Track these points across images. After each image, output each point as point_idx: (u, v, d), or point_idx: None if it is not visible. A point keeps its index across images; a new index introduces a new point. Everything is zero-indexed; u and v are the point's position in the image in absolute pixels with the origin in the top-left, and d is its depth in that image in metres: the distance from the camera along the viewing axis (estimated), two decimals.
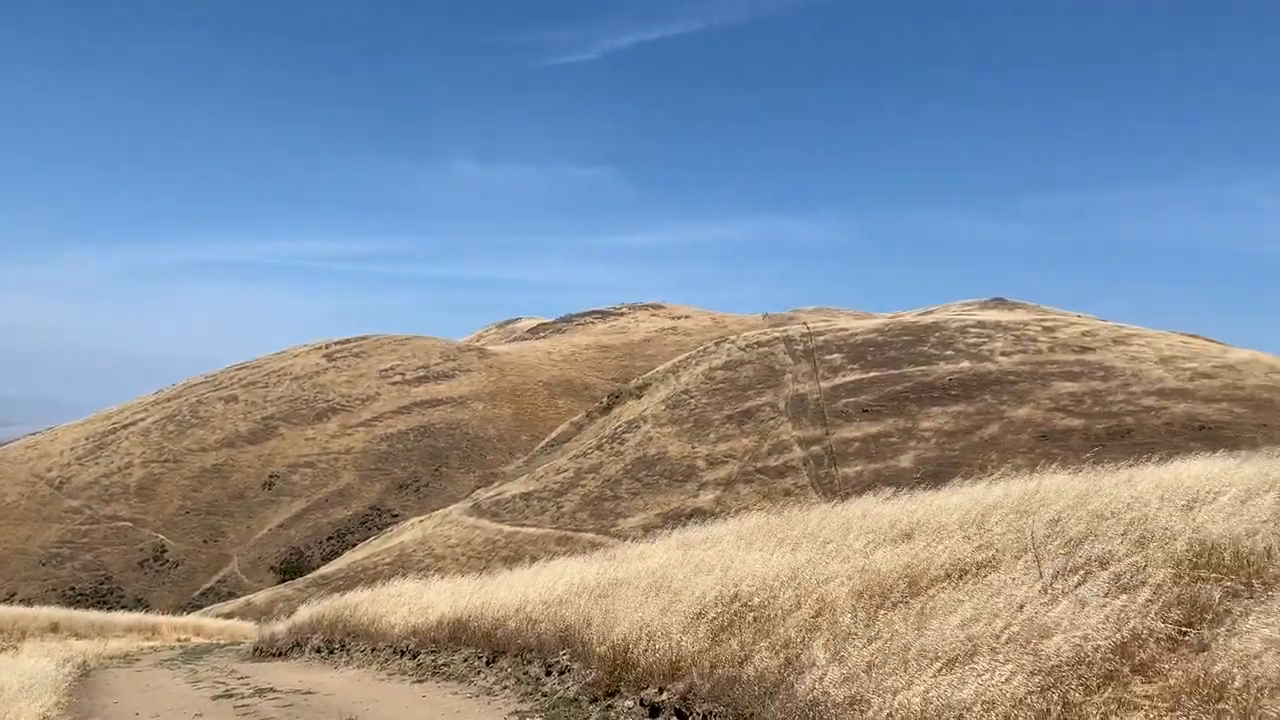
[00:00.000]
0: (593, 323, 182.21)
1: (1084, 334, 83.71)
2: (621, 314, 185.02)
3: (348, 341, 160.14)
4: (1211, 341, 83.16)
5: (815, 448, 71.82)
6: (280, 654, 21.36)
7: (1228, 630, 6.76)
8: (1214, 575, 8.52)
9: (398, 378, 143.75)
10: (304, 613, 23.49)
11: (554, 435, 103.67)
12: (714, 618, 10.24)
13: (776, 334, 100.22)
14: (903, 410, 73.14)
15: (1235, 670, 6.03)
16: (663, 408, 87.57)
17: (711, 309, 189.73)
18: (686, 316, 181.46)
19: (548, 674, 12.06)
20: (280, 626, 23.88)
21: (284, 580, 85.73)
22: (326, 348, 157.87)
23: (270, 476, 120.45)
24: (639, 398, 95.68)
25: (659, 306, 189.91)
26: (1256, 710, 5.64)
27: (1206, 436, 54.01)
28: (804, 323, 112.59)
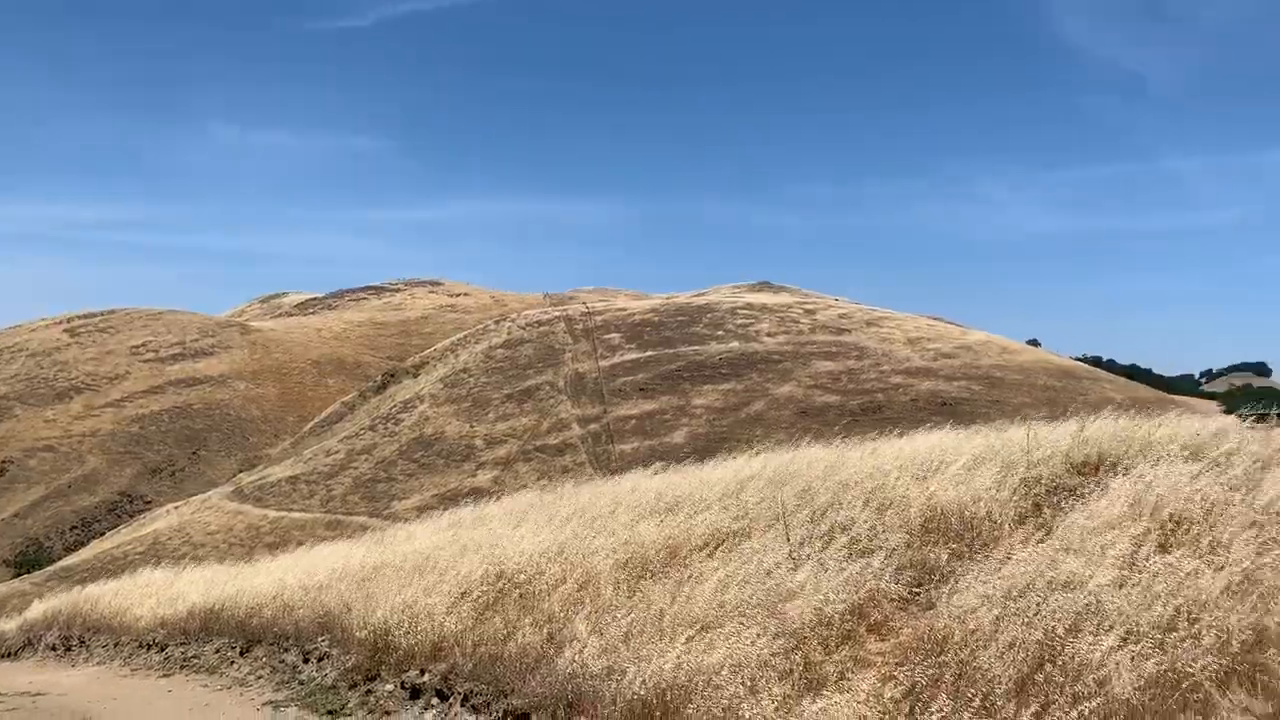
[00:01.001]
0: (367, 299, 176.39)
1: (841, 316, 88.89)
2: (398, 290, 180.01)
3: (93, 315, 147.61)
4: (953, 324, 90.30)
5: (594, 425, 72.72)
6: (9, 654, 19.55)
7: (950, 589, 7.33)
8: (943, 539, 9.25)
9: (150, 355, 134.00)
10: (38, 608, 21.62)
11: (324, 416, 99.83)
12: (478, 596, 10.15)
13: (557, 313, 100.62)
14: (677, 388, 75.21)
15: (954, 625, 6.53)
16: (440, 387, 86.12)
17: (492, 287, 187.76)
18: (466, 294, 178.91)
19: (305, 661, 11.61)
20: (10, 624, 21.87)
21: (20, 574, 78.36)
22: (69, 322, 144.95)
23: (3, 462, 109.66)
24: (415, 376, 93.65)
25: (437, 283, 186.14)
26: (971, 660, 6.14)
27: (948, 412, 58.55)
28: (584, 303, 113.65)
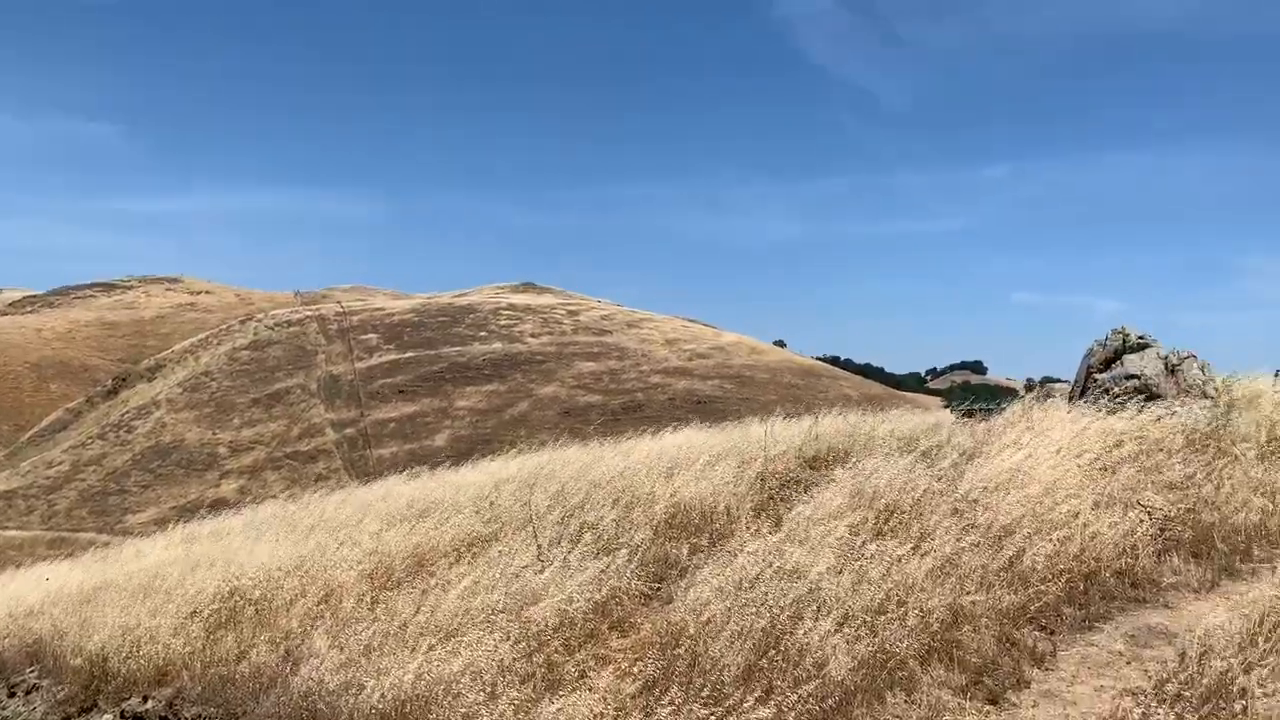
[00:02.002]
0: (95, 296, 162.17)
1: (603, 318, 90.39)
2: (131, 287, 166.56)
3: None
4: (707, 326, 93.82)
5: (350, 430, 70.26)
6: None
7: (688, 583, 7.58)
8: (684, 534, 9.57)
9: None
10: None
11: (45, 424, 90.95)
12: (210, 615, 9.55)
13: (309, 313, 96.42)
14: (439, 390, 73.94)
15: (689, 618, 6.76)
16: (179, 391, 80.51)
17: (237, 285, 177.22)
18: (208, 292, 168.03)
19: (11, 695, 10.52)
20: None
21: None
22: None
23: None
24: (151, 380, 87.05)
25: (176, 280, 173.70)
26: (704, 651, 6.37)
27: (703, 409, 60.70)
28: (339, 302, 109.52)
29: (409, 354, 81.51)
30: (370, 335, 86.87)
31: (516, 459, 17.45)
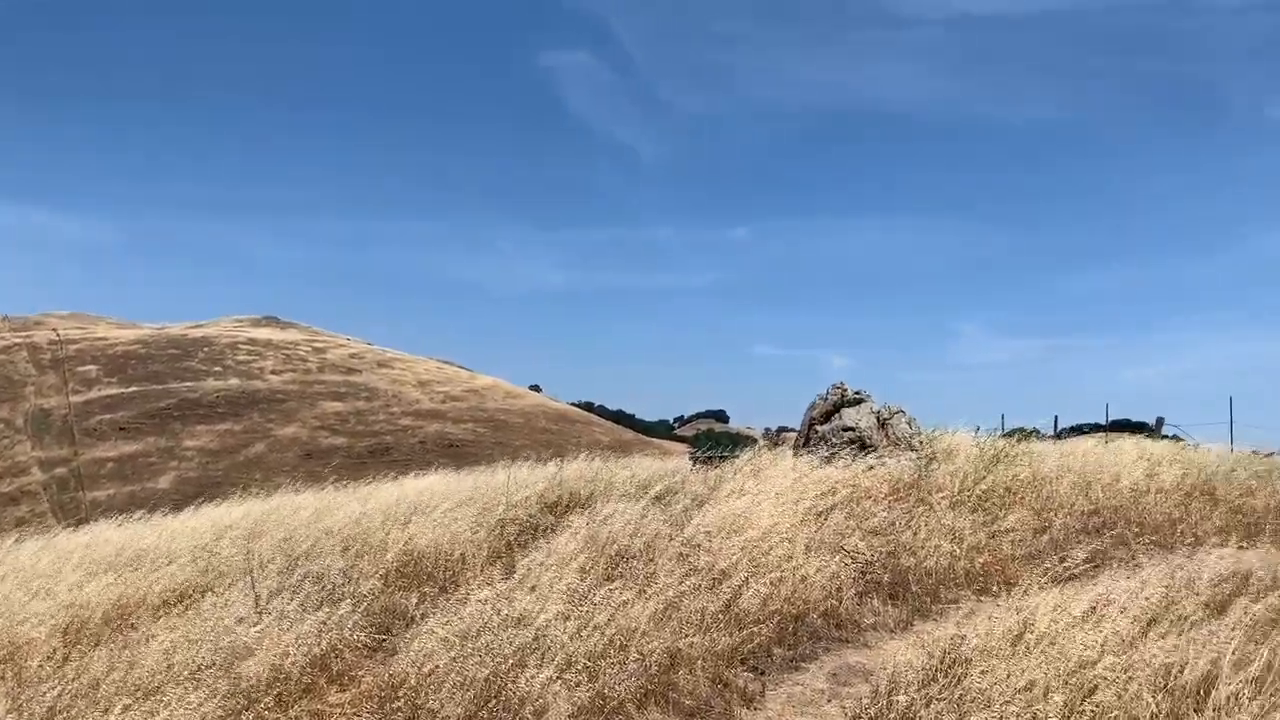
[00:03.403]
0: None
1: (352, 356, 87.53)
2: None
3: None
4: (462, 368, 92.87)
5: (60, 469, 63.99)
6: None
7: (414, 633, 7.42)
8: (416, 583, 9.37)
9: None
10: None
11: None
12: None
13: (19, 339, 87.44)
14: (165, 428, 68.84)
15: (411, 669, 6.61)
16: None
17: None
18: None
19: None
20: None
21: None
22: None
23: None
24: None
25: None
26: (424, 703, 6.24)
27: (455, 453, 59.85)
28: (54, 329, 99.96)
29: (133, 388, 75.52)
30: (89, 367, 79.86)
31: (245, 504, 16.54)
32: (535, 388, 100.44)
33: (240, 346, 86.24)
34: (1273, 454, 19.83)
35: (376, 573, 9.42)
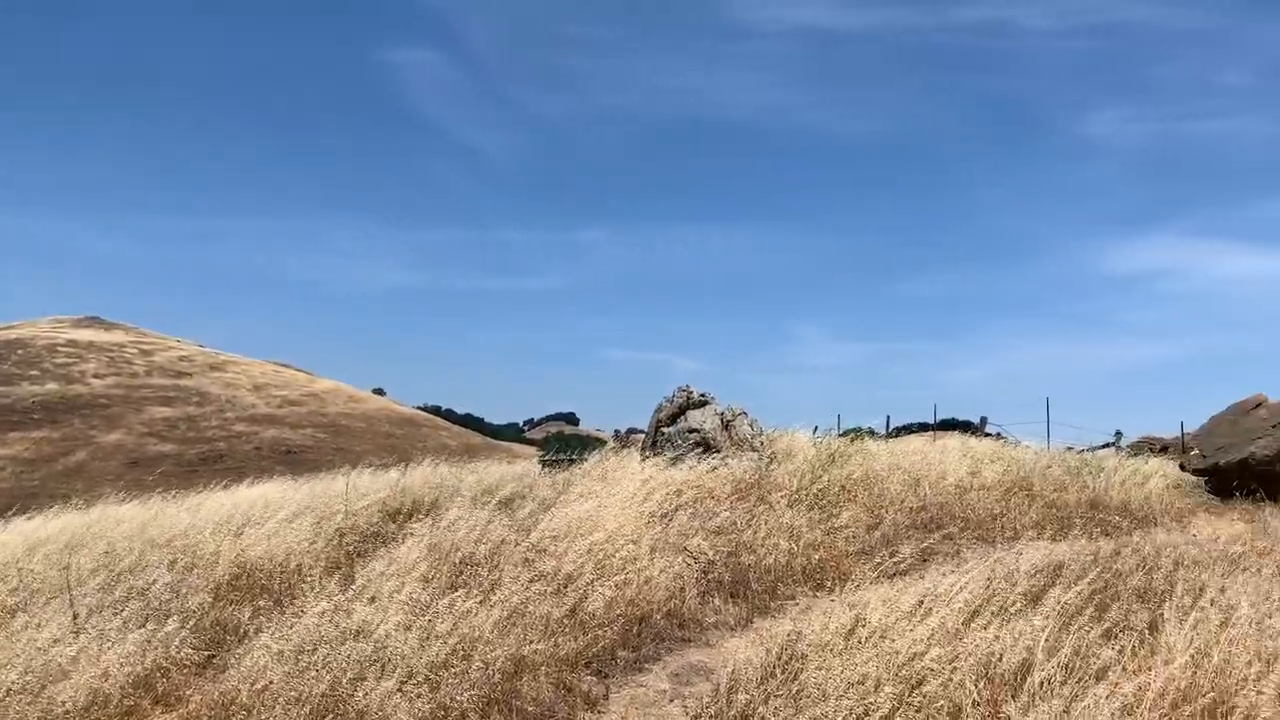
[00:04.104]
0: None
1: (182, 359, 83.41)
2: None
3: None
4: (301, 371, 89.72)
5: None
6: None
7: (246, 649, 7.12)
8: (249, 596, 9.00)
9: None
10: None
11: None
12: None
13: None
14: None
15: (243, 686, 6.35)
16: None
17: None
18: None
19: None
20: None
21: None
22: None
23: None
24: None
25: None
26: None
27: (293, 460, 57.80)
28: None
29: None
30: None
31: (63, 516, 15.52)
32: (379, 391, 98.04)
33: (60, 349, 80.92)
34: (1084, 450, 21.28)
35: (206, 586, 9.00)
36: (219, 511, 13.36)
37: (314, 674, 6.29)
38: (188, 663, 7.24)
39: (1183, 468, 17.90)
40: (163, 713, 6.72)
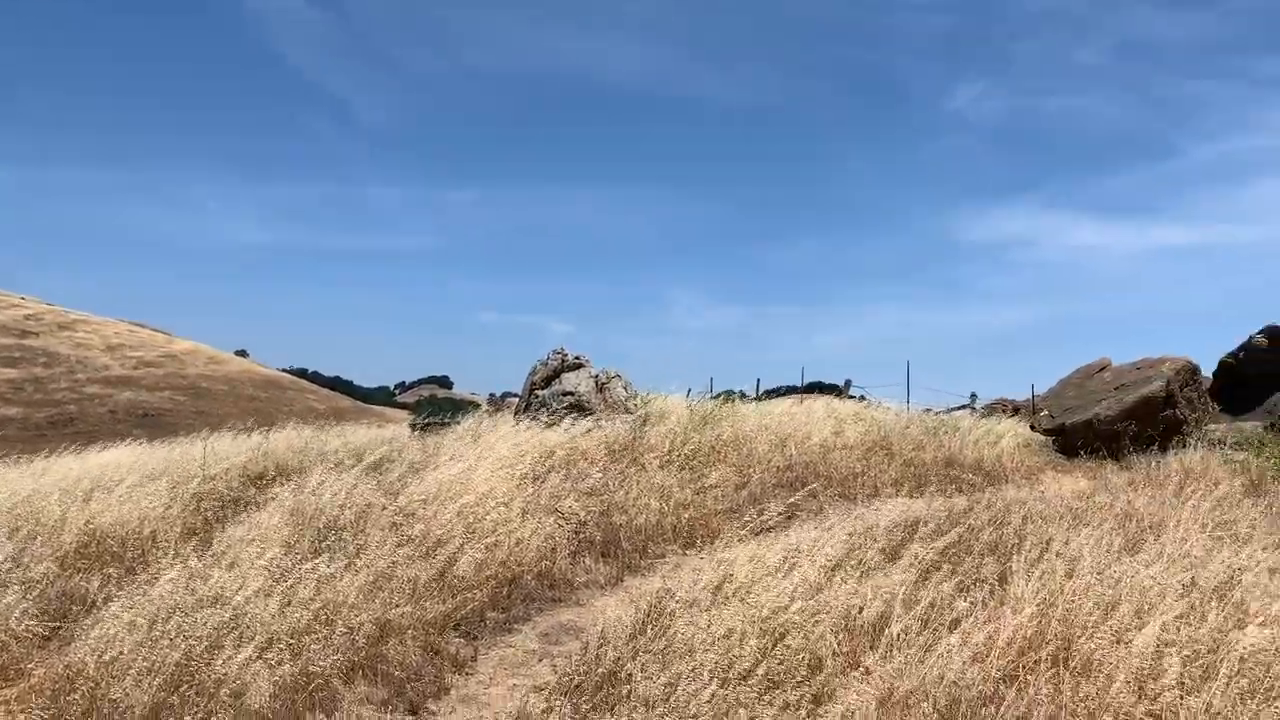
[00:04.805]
0: None
1: (28, 318, 78.66)
2: None
3: None
4: (159, 331, 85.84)
5: None
6: None
7: (94, 619, 6.80)
8: (99, 564, 8.59)
9: None
10: None
11: None
12: None
13: None
14: None
15: (90, 658, 6.06)
16: None
17: None
18: None
19: None
20: None
21: None
22: None
23: None
24: None
25: None
26: (106, 693, 5.73)
27: (151, 424, 55.38)
28: None
29: None
30: None
31: None
32: (242, 353, 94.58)
33: None
34: (941, 412, 22.16)
35: (52, 555, 8.54)
36: (67, 476, 12.68)
37: (167, 643, 6.04)
38: (30, 635, 6.88)
39: (1033, 428, 18.82)
40: (3, 687, 6.37)
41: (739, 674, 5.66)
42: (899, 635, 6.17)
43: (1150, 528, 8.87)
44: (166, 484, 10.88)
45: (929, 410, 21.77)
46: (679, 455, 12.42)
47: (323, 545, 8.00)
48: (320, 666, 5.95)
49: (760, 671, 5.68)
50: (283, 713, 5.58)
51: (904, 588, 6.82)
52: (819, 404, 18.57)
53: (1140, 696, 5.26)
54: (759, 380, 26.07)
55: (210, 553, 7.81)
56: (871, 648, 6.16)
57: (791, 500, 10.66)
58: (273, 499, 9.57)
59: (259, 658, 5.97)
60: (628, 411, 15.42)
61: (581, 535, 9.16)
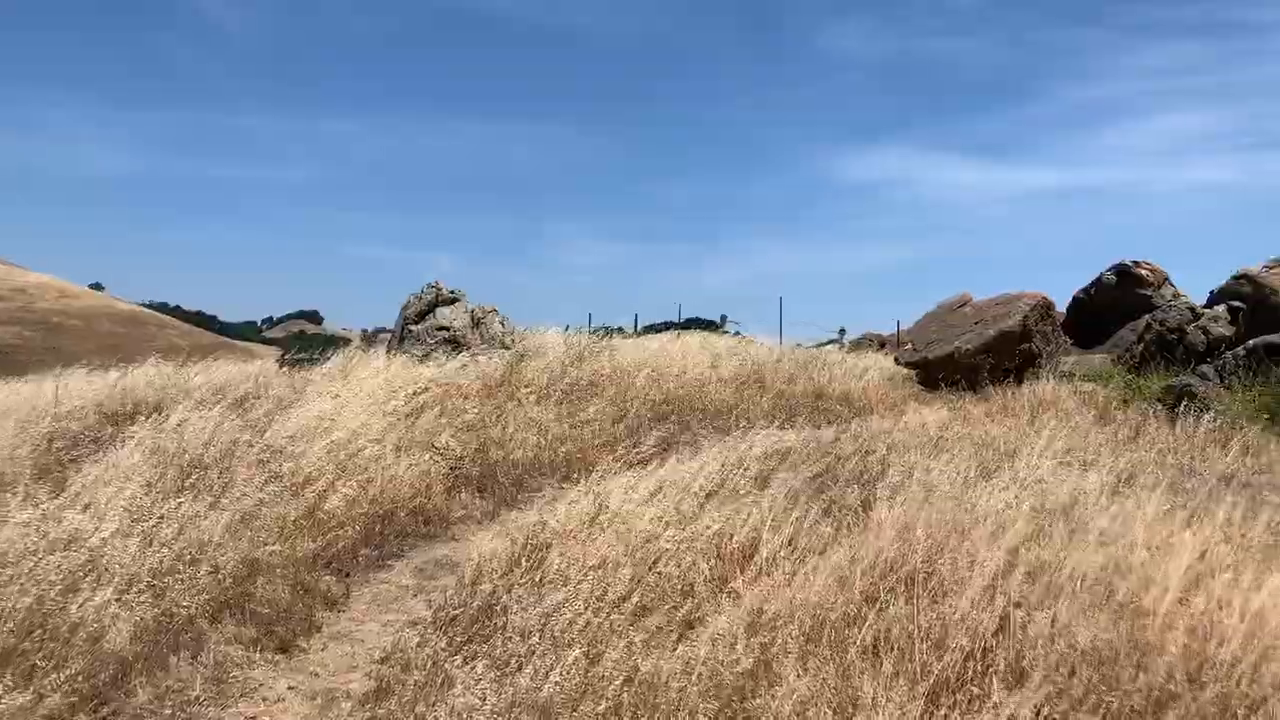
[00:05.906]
0: None
1: None
2: None
3: None
4: (5, 262, 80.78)
5: None
6: None
7: None
8: None
9: None
10: None
11: None
12: None
13: None
14: None
15: None
16: None
17: None
18: None
19: None
20: None
21: None
22: None
23: None
24: None
25: None
26: None
27: None
28: None
29: None
30: None
31: None
32: (97, 286, 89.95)
33: None
34: (812, 346, 22.75)
35: None
36: None
37: (17, 587, 5.77)
38: None
39: (897, 361, 19.50)
40: None
41: (612, 601, 5.74)
42: (768, 560, 6.36)
43: (1005, 455, 9.33)
44: (14, 424, 10.32)
45: (800, 345, 22.31)
46: (556, 390, 12.42)
47: (186, 484, 7.74)
48: (184, 607, 5.79)
49: (634, 599, 5.78)
50: (144, 654, 5.41)
51: (773, 515, 7.01)
52: (695, 340, 18.82)
53: (990, 613, 5.57)
54: (636, 316, 26.24)
55: (65, 494, 7.46)
56: (741, 573, 6.34)
57: (666, 433, 10.82)
58: (132, 438, 9.17)
59: (118, 600, 5.76)
60: (505, 347, 15.32)
61: (458, 471, 9.10)
